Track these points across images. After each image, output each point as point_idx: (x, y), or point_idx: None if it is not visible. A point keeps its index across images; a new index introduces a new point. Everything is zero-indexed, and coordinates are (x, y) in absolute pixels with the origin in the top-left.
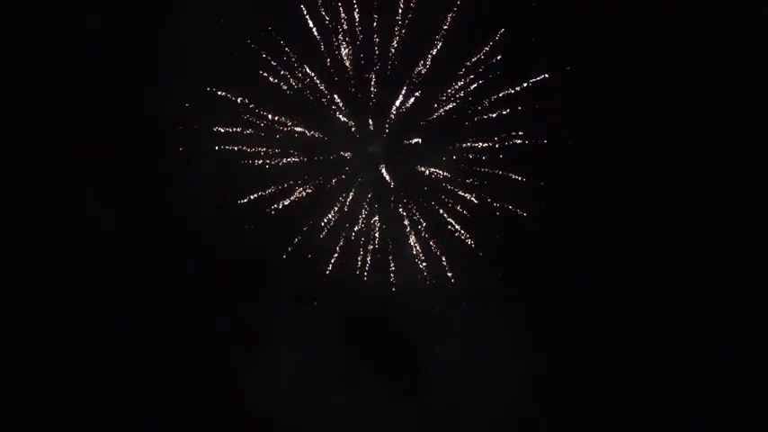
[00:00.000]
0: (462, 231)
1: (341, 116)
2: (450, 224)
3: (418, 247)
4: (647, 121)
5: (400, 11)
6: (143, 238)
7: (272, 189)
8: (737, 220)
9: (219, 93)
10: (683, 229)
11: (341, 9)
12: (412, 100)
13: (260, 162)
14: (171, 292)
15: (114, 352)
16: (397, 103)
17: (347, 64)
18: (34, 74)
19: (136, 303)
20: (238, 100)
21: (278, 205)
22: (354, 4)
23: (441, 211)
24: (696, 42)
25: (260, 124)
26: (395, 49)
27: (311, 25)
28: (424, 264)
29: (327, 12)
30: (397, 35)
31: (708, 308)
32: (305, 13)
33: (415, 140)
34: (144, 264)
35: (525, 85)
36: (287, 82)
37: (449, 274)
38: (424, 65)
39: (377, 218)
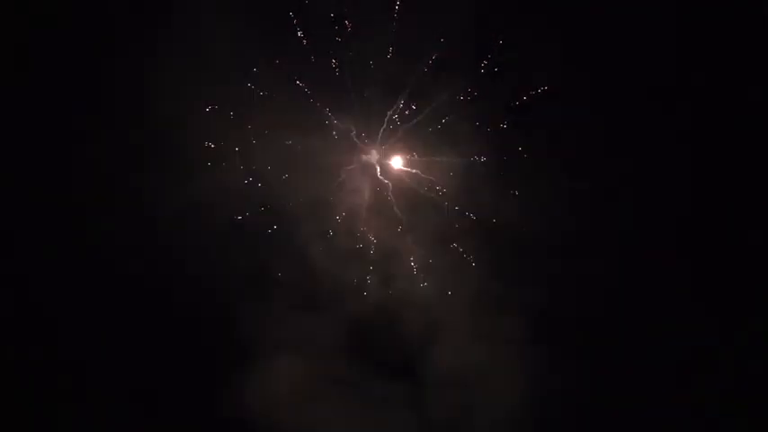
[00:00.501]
0: (460, 243)
1: (338, 127)
2: (449, 235)
3: (417, 258)
4: (647, 127)
5: (395, 18)
6: (143, 249)
7: (269, 203)
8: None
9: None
10: (682, 233)
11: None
12: (409, 111)
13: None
14: (168, 300)
15: (114, 356)
16: (396, 113)
17: (339, 72)
18: (31, 74)
19: (134, 311)
20: (231, 114)
21: (275, 216)
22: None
23: (439, 223)
24: (694, 53)
25: (252, 139)
26: (391, 55)
27: (302, 34)
28: (423, 274)
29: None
30: (393, 46)
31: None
32: (295, 22)
33: (414, 152)
34: (142, 274)
35: (525, 98)
36: (281, 91)
37: (448, 286)
38: (422, 74)
39: (374, 228)
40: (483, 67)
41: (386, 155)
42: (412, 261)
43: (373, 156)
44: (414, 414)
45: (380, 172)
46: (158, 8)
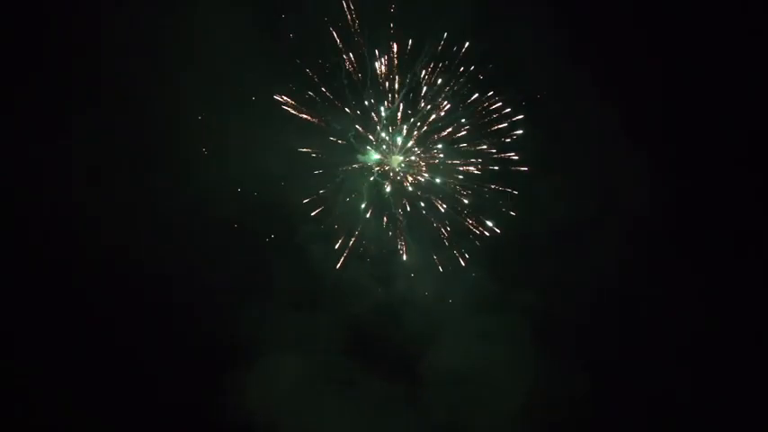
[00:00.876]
0: (459, 244)
1: (335, 128)
2: (448, 236)
3: (417, 259)
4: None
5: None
6: (145, 250)
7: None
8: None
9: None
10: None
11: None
12: (408, 112)
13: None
14: (170, 299)
15: (115, 358)
16: (395, 114)
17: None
18: (30, 73)
19: (138, 310)
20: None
21: (274, 218)
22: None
23: (438, 224)
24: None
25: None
26: (390, 56)
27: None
28: (424, 275)
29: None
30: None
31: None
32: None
33: (417, 154)
34: (146, 273)
35: (523, 102)
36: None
37: (448, 287)
38: (422, 75)
39: (376, 229)
40: (482, 72)
41: (385, 156)
42: (411, 262)
43: (371, 157)
44: (414, 414)
45: (379, 173)
46: (157, 9)
